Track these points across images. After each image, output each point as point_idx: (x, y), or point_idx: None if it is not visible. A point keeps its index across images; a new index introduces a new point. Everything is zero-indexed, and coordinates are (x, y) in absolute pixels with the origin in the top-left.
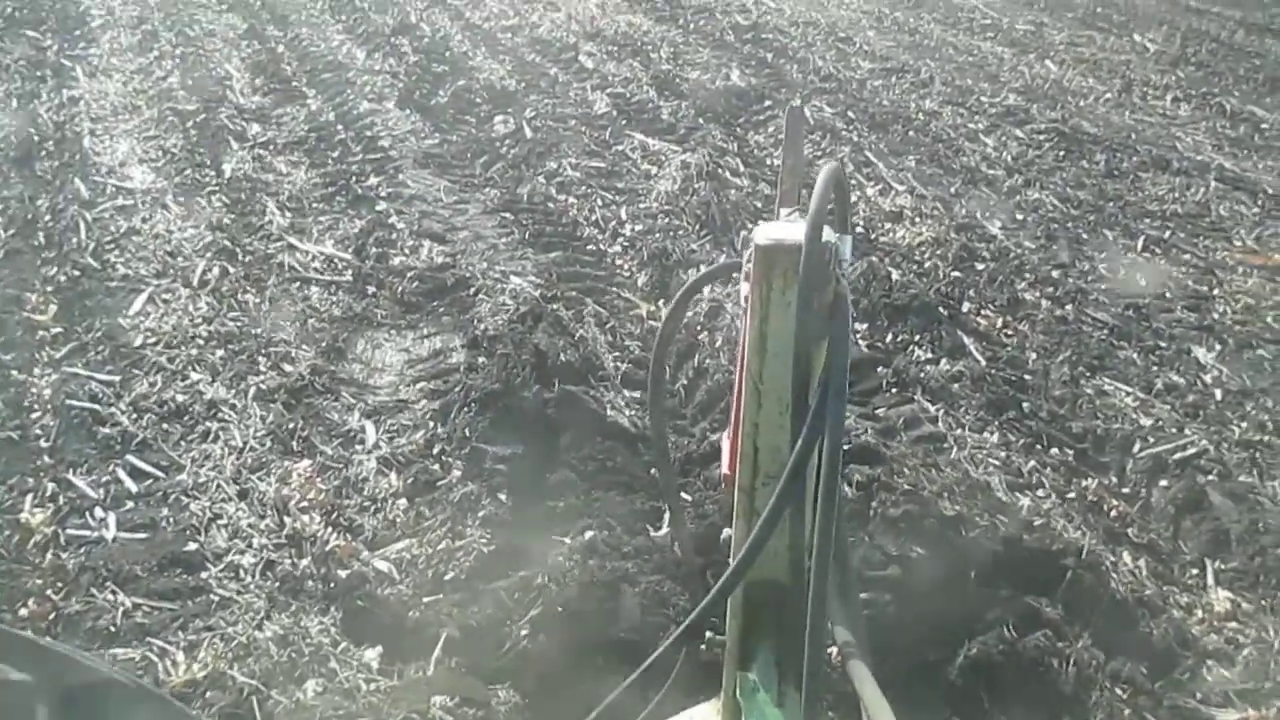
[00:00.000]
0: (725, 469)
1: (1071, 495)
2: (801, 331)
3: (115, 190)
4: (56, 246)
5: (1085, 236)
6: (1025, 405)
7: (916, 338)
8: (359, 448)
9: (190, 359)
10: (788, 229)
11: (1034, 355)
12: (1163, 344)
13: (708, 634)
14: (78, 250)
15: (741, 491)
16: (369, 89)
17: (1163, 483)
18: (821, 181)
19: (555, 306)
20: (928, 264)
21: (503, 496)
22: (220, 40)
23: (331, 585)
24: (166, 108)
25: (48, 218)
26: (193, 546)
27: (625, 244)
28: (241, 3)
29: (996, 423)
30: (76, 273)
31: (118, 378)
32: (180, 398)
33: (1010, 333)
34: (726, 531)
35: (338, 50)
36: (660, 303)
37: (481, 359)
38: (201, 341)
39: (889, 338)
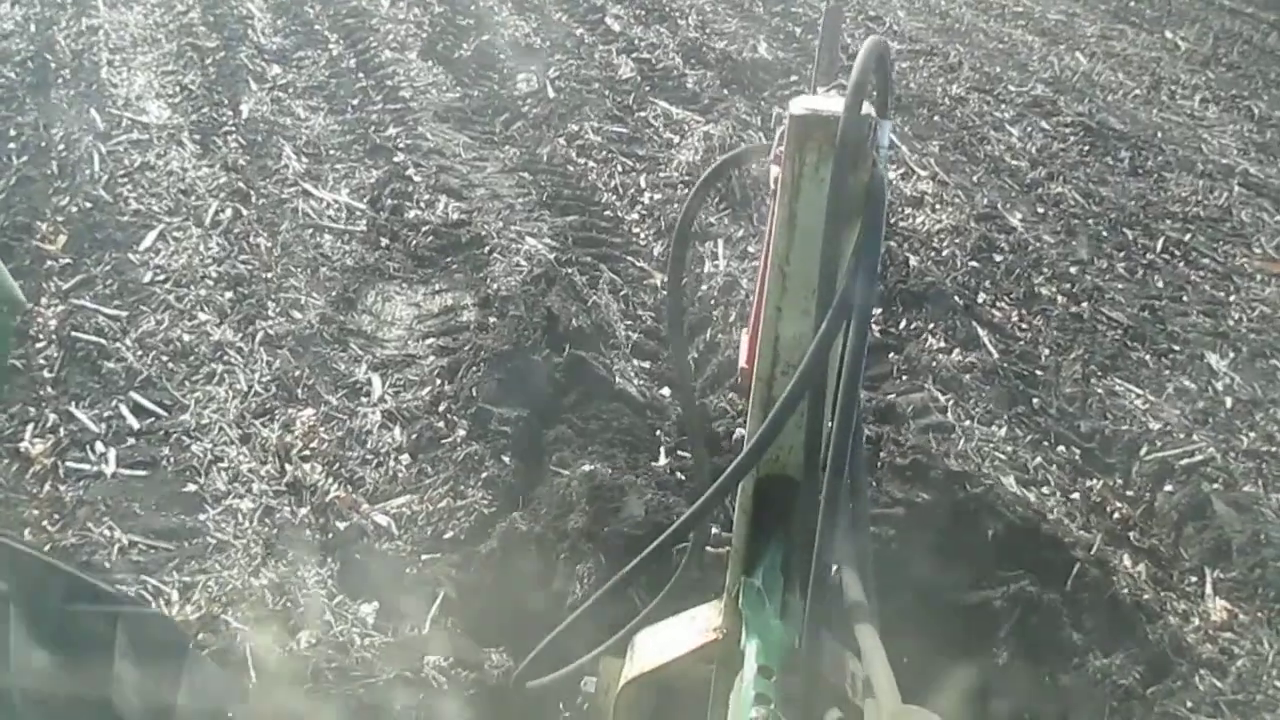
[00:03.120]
0: (743, 362)
1: (1076, 495)
2: (833, 210)
3: (130, 124)
4: (69, 176)
5: (1105, 234)
6: (1035, 401)
7: (930, 326)
8: (364, 400)
9: (199, 299)
10: (825, 101)
11: (1047, 351)
12: (1176, 348)
13: (714, 529)
14: (90, 182)
15: (759, 381)
16: (392, 38)
17: (1167, 488)
18: (864, 54)
19: (569, 271)
20: (945, 252)
21: (506, 459)
22: None
23: (330, 536)
24: (186, 43)
25: (61, 147)
26: (192, 488)
27: (643, 212)
28: None
29: (1005, 416)
30: (88, 204)
31: (124, 313)
32: (187, 337)
33: (1024, 327)
34: (739, 431)
35: None
36: None
37: (493, 319)
38: (211, 282)
39: (903, 324)
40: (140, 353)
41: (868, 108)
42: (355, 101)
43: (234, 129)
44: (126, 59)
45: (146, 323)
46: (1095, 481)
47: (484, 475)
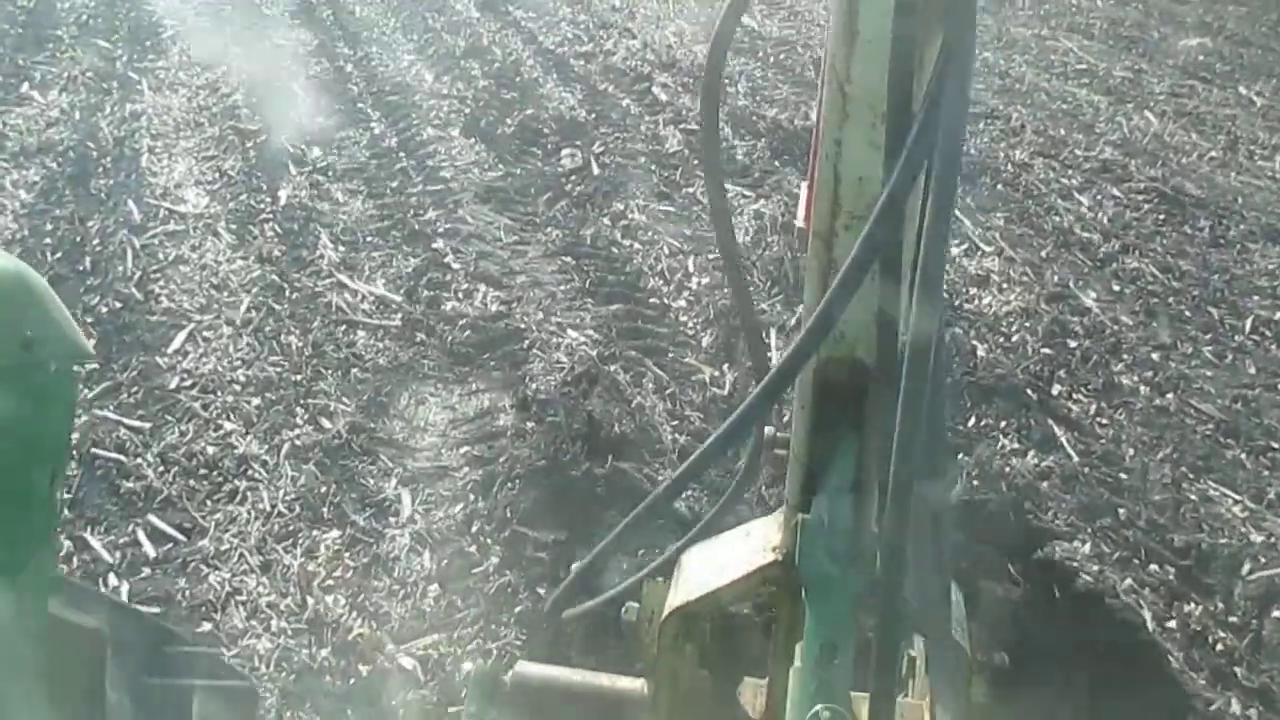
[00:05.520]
0: (800, 219)
1: (1173, 622)
2: (906, 9)
3: (167, 214)
4: (102, 274)
5: (1188, 314)
6: (1122, 511)
7: (1002, 424)
8: (392, 520)
9: (225, 407)
10: None
11: (1131, 451)
12: (1275, 444)
13: (769, 429)
14: (122, 279)
15: (817, 239)
16: (434, 114)
17: (1276, 613)
18: None
19: (612, 368)
20: (1015, 338)
21: (541, 590)
22: (289, 57)
23: (351, 682)
24: (229, 126)
25: (96, 242)
26: (207, 627)
27: (690, 299)
28: (314, 19)
29: (1089, 529)
30: (119, 304)
31: (148, 424)
32: (210, 450)
33: (1105, 422)
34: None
35: (406, 71)
36: (725, 368)
37: (530, 424)
38: (238, 387)
39: (971, 422)
40: (161, 469)
41: None
42: (394, 184)
43: (271, 216)
44: (168, 145)
45: (170, 434)
46: (1194, 606)
47: (518, 610)
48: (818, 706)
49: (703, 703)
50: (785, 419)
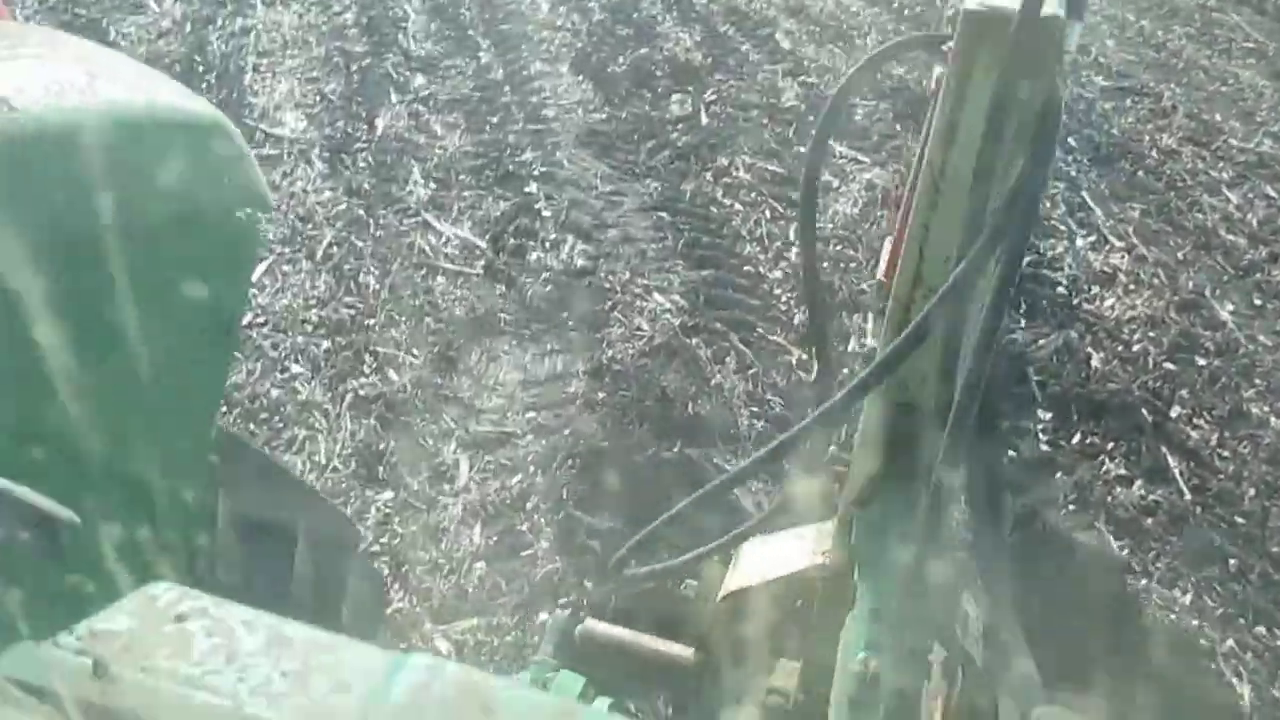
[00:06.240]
0: (882, 274)
1: (1277, 693)
2: (996, 124)
3: (264, 138)
4: None
5: None
6: (1233, 562)
7: (1110, 446)
8: (447, 487)
9: (294, 348)
10: None
11: (1252, 492)
12: None
13: (831, 448)
14: None
15: (896, 302)
16: (545, 47)
17: None
18: None
19: (694, 341)
20: (1136, 348)
21: (589, 584)
22: None
23: None
24: (335, 46)
25: None
26: None
27: (787, 270)
28: None
29: (1193, 579)
30: None
31: None
32: (275, 393)
33: (1226, 455)
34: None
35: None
36: (815, 350)
37: (601, 395)
38: (310, 328)
39: (1075, 439)
40: (224, 409)
41: (1055, 6)
42: (495, 119)
43: (366, 145)
44: (273, 63)
45: (237, 373)
46: None
47: (560, 601)
48: (863, 654)
49: (745, 674)
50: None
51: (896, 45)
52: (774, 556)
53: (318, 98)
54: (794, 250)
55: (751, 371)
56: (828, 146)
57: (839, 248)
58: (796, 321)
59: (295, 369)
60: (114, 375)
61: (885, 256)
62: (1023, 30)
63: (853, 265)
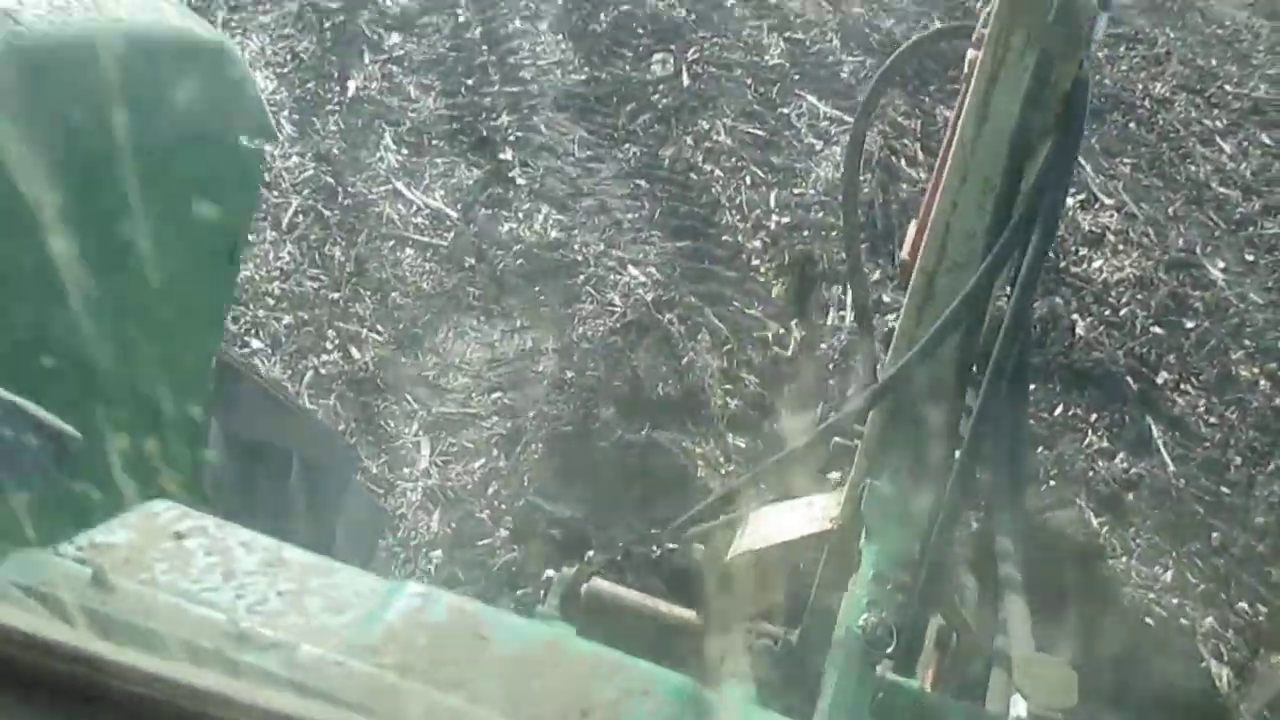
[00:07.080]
0: (905, 253)
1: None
2: (1030, 105)
3: None
4: None
5: None
6: (1216, 535)
7: (1093, 418)
8: (406, 471)
9: (255, 322)
10: None
11: (1238, 460)
12: None
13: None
14: None
15: (921, 274)
16: (525, 3)
17: None
18: None
19: (668, 316)
20: (1123, 312)
21: (551, 572)
22: None
23: None
24: (308, 3)
25: None
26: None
27: (766, 240)
28: None
29: (1174, 554)
30: None
31: None
32: None
33: (1213, 421)
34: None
35: None
36: (794, 324)
37: (570, 374)
38: (272, 301)
39: (1057, 410)
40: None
41: None
42: (471, 80)
43: (337, 108)
44: (244, 19)
45: None
46: None
47: (517, 593)
48: (867, 613)
49: (744, 632)
50: None
51: (924, 39)
52: (784, 522)
53: (289, 56)
54: (773, 218)
55: (726, 349)
56: (862, 150)
57: (819, 215)
58: (774, 294)
59: (255, 344)
60: (120, 291)
61: (909, 237)
62: (1061, 14)
63: (834, 233)
